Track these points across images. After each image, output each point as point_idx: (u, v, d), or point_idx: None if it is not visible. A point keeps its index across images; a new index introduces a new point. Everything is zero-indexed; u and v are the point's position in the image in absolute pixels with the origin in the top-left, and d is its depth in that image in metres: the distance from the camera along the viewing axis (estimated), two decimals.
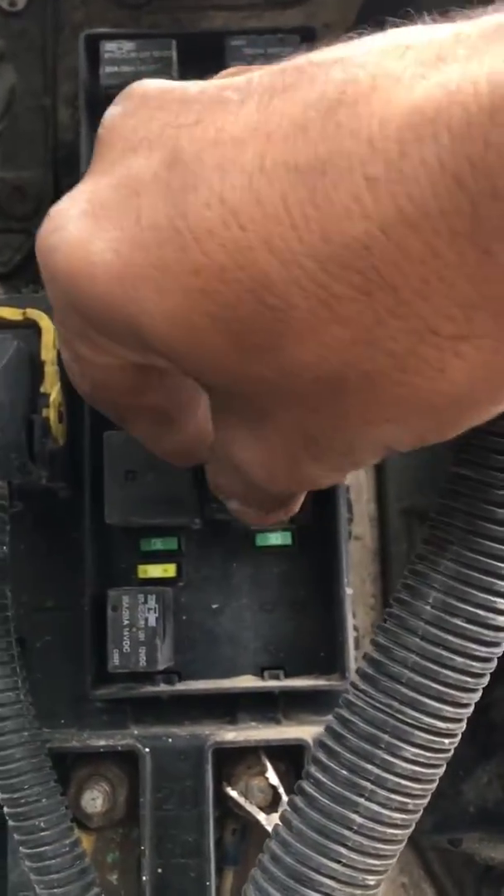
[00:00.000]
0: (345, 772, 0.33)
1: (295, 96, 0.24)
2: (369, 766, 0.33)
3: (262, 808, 0.46)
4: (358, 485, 0.62)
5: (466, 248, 0.23)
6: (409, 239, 0.23)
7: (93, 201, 0.28)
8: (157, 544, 0.52)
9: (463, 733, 0.63)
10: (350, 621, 0.50)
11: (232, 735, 0.48)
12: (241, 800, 0.46)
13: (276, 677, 0.50)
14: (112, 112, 0.30)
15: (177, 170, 0.26)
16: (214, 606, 0.53)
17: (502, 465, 0.32)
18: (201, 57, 0.52)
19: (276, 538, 0.53)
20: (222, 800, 0.48)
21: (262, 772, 0.47)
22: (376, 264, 0.23)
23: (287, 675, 0.51)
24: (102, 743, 0.47)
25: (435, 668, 0.32)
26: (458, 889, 0.60)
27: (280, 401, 0.28)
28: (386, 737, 0.33)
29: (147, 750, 0.47)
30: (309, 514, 0.52)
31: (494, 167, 0.21)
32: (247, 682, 0.50)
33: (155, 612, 0.47)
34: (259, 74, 0.26)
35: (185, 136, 0.26)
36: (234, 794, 0.46)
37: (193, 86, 0.28)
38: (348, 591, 0.50)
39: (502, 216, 0.22)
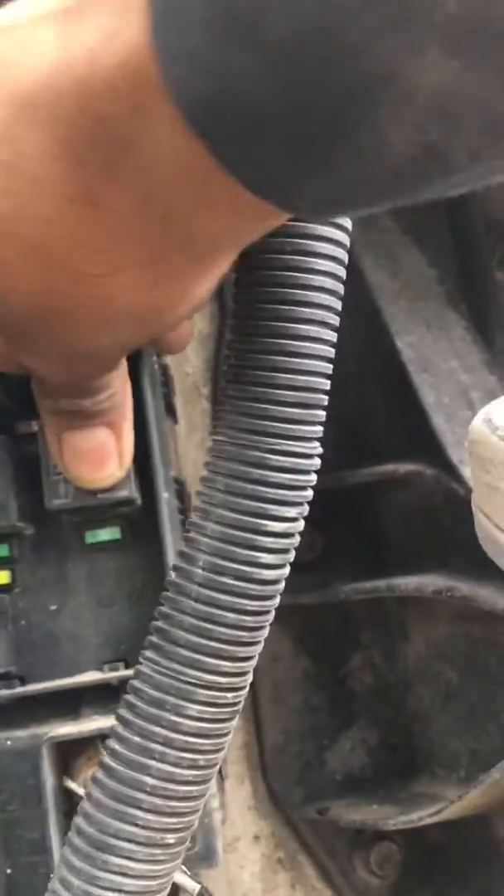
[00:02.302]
0: (137, 738, 0.34)
1: None
2: (157, 729, 0.34)
3: None
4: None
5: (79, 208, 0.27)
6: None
7: None
8: None
9: (322, 705, 0.65)
10: None
11: (68, 728, 0.48)
12: (81, 791, 0.46)
13: (116, 669, 0.51)
14: None
15: None
16: (53, 608, 0.53)
17: (253, 427, 0.34)
18: None
19: (106, 534, 0.54)
20: (70, 795, 0.49)
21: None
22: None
23: (128, 667, 0.52)
24: None
25: (209, 626, 0.34)
26: (331, 856, 0.62)
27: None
28: (171, 699, 0.34)
29: None
30: (137, 510, 0.53)
31: None
32: (86, 677, 0.51)
33: None
34: None
35: None
36: (73, 785, 0.47)
37: None
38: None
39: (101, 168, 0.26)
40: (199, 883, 0.47)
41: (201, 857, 0.49)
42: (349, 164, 0.23)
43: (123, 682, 0.51)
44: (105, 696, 0.51)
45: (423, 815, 0.54)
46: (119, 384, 0.40)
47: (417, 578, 0.56)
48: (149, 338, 0.35)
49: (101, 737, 0.48)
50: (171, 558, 0.51)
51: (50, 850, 0.46)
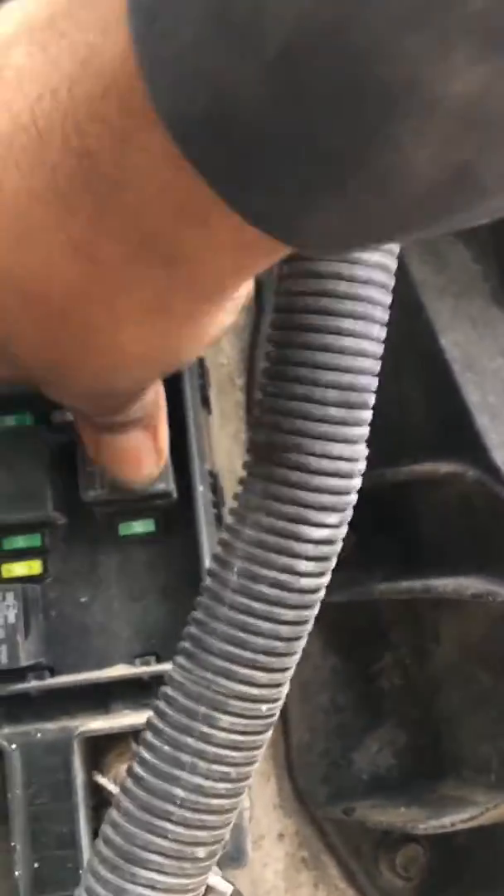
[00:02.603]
0: (167, 748, 0.33)
1: None
2: (189, 740, 0.33)
3: None
4: (233, 469, 0.62)
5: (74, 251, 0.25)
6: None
7: None
8: (20, 542, 0.52)
9: (350, 704, 0.64)
10: None
11: (99, 723, 0.48)
12: (111, 787, 0.46)
13: (148, 664, 0.51)
14: None
15: None
16: (83, 600, 0.53)
17: (293, 427, 0.33)
18: None
19: (140, 526, 0.53)
20: (99, 790, 0.48)
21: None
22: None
23: (159, 661, 0.51)
24: None
25: (243, 635, 0.33)
26: (355, 857, 0.61)
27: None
28: (203, 709, 0.33)
29: (14, 746, 0.47)
30: (172, 503, 0.53)
31: None
32: (118, 671, 0.51)
33: (14, 609, 0.47)
34: None
35: None
36: (103, 781, 0.46)
37: None
38: None
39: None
40: (232, 884, 0.46)
41: (231, 857, 0.48)
42: (367, 189, 0.20)
43: (154, 676, 0.50)
44: (136, 690, 0.51)
45: (455, 821, 0.53)
46: (150, 391, 0.39)
47: (455, 580, 0.55)
48: (171, 371, 0.35)
49: (132, 733, 0.48)
50: (206, 553, 0.50)
51: (78, 845, 0.46)
